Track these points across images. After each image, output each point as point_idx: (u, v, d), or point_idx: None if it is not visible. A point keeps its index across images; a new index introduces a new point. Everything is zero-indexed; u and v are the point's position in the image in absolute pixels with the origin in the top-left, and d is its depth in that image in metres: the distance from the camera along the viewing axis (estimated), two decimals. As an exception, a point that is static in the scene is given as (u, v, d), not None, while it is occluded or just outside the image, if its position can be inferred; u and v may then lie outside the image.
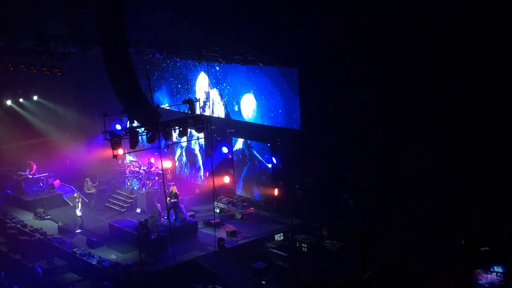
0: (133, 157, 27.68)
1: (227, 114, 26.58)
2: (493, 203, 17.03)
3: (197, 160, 28.14)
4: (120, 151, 19.54)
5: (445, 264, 14.01)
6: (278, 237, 22.65)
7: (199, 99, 24.19)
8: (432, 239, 18.83)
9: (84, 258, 21.87)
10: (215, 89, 26.71)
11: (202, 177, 27.91)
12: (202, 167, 27.91)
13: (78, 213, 24.93)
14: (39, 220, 25.94)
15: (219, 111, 26.78)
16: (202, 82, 27.35)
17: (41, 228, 24.50)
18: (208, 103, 26.95)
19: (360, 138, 21.62)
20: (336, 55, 21.53)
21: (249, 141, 25.82)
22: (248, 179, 26.05)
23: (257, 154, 25.47)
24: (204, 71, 26.47)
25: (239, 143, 26.24)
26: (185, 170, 28.82)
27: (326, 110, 22.39)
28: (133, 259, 21.48)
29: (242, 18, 22.74)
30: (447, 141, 19.01)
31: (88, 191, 27.16)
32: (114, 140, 18.60)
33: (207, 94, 26.98)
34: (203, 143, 27.18)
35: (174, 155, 28.82)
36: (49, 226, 25.17)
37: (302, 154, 23.46)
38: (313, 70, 22.44)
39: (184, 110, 20.47)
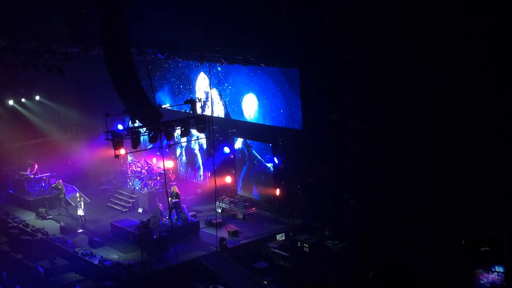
0: (130, 156, 27.58)
1: (226, 114, 26.62)
2: (494, 204, 17.07)
3: (197, 160, 28.17)
4: (122, 151, 19.58)
5: (447, 264, 14.04)
6: (280, 237, 22.67)
7: (200, 99, 24.22)
8: (434, 239, 18.85)
9: (86, 258, 21.88)
10: (214, 89, 26.73)
11: (202, 176, 27.94)
12: (201, 166, 27.94)
13: (80, 212, 24.92)
14: (41, 219, 25.98)
15: (219, 111, 26.81)
16: (202, 82, 27.40)
17: (43, 228, 24.53)
18: (208, 103, 26.97)
19: (361, 138, 21.65)
20: (337, 56, 21.57)
21: (248, 141, 25.85)
22: (247, 179, 26.08)
23: (256, 154, 25.51)
24: (205, 72, 26.51)
25: (238, 143, 26.27)
26: (181, 169, 28.86)
27: (327, 110, 22.42)
28: (135, 259, 21.49)
29: (244, 18, 22.76)
30: (449, 141, 19.03)
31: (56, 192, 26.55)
32: (116, 140, 18.64)
33: (207, 94, 27.01)
34: (204, 143, 27.21)
35: (176, 155, 28.85)
36: (51, 225, 25.21)
37: (304, 154, 23.48)
38: (315, 70, 22.47)
39: (186, 110, 20.50)
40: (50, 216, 26.24)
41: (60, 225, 24.84)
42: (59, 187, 26.59)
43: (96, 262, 21.47)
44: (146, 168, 27.15)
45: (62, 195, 26.41)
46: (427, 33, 18.79)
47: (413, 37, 19.13)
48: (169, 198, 23.03)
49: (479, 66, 17.64)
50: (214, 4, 22.40)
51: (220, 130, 26.34)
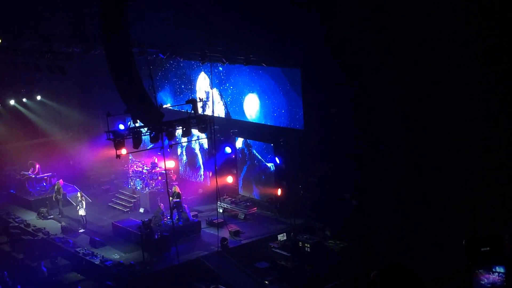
0: (130, 155, 27.43)
1: (227, 114, 26.61)
2: (495, 204, 17.05)
3: (197, 160, 28.16)
4: (123, 151, 19.57)
5: (448, 264, 14.03)
6: (281, 237, 22.67)
7: (202, 99, 24.20)
8: (435, 239, 18.84)
9: (87, 257, 21.89)
10: (215, 88, 26.72)
11: (202, 176, 27.93)
12: (202, 166, 27.92)
13: (82, 212, 24.91)
14: (42, 219, 25.98)
15: (219, 111, 26.80)
16: (202, 82, 27.40)
17: (44, 228, 24.53)
18: (208, 103, 26.95)
19: (363, 138, 21.63)
20: (338, 56, 21.55)
21: (248, 141, 25.83)
22: (247, 178, 26.06)
23: (256, 154, 25.49)
24: (206, 72, 26.50)
25: (238, 142, 26.25)
26: (180, 168, 28.84)
27: (329, 111, 22.42)
28: (136, 258, 21.49)
29: (246, 18, 22.78)
30: (450, 142, 19.01)
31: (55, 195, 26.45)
32: (117, 140, 18.62)
33: (207, 94, 27.00)
34: (205, 143, 27.18)
35: (177, 155, 28.85)
36: (52, 225, 25.21)
37: (305, 154, 23.47)
38: (316, 70, 22.46)
39: (187, 110, 20.50)
40: (51, 216, 26.24)
41: (61, 225, 24.84)
42: (56, 187, 26.57)
43: (97, 262, 21.48)
44: (154, 168, 27.10)
45: (60, 196, 26.37)
46: (428, 33, 18.78)
47: (414, 37, 19.12)
48: (171, 198, 23.01)
49: (479, 65, 17.63)
50: (215, 4, 22.40)
51: (221, 130, 26.33)
